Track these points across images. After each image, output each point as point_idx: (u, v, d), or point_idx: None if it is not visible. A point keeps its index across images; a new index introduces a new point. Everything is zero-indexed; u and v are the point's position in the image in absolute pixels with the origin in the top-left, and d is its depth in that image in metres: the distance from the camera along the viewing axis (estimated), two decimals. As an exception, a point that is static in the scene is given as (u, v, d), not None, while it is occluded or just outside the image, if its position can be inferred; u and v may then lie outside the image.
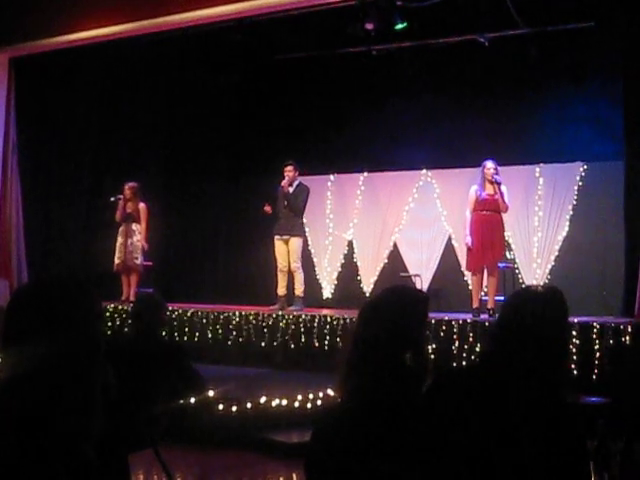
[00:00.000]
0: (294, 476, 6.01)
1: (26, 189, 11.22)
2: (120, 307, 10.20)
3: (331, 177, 13.06)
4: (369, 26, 9.89)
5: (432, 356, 7.95)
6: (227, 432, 6.83)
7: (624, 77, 9.64)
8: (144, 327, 5.11)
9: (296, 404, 7.17)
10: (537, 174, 11.55)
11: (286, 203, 10.01)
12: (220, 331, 9.76)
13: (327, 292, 12.90)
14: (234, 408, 7.07)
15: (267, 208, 10.05)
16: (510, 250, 11.25)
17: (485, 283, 9.35)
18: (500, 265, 9.45)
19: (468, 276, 10.50)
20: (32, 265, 11.10)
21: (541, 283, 10.86)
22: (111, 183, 11.43)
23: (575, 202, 11.32)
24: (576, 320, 7.81)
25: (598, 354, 7.66)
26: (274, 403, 7.14)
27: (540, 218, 11.48)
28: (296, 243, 10.07)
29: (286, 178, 10.07)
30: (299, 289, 10.11)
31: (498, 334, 2.53)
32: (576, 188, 11.32)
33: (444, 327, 8.43)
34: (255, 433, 6.88)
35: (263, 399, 7.17)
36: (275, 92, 12.85)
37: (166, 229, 11.96)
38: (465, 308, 9.56)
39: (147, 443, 4.85)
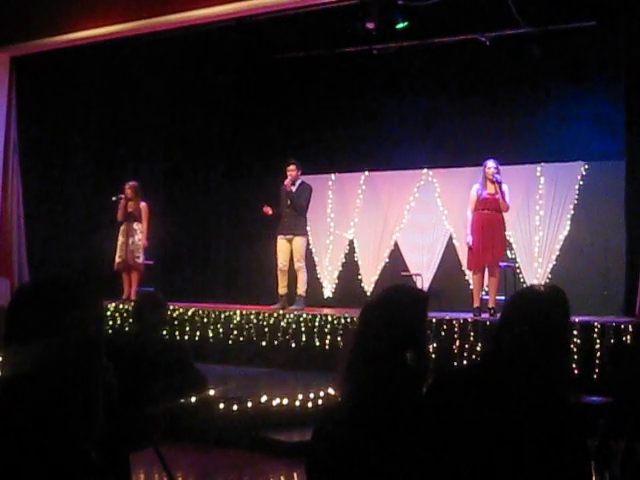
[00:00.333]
0: (295, 475, 6.02)
1: (27, 188, 11.22)
2: (121, 306, 10.20)
3: (332, 176, 13.06)
4: (370, 25, 9.90)
5: (433, 355, 7.94)
6: (228, 431, 6.83)
7: (625, 76, 9.64)
8: (145, 326, 5.11)
9: (297, 403, 7.17)
10: (538, 173, 11.55)
11: (289, 202, 10.01)
12: (221, 330, 9.75)
13: (328, 291, 12.91)
14: (235, 407, 7.07)
15: (266, 209, 10.05)
16: (511, 249, 11.25)
17: (486, 282, 9.35)
18: (501, 264, 9.45)
19: (469, 275, 10.51)
20: (33, 264, 11.11)
21: (542, 282, 10.86)
22: (112, 182, 11.43)
23: (576, 201, 11.32)
24: (577, 319, 7.81)
25: (599, 354, 7.66)
26: (275, 402, 7.14)
27: (541, 217, 11.48)
28: (300, 242, 10.07)
29: (289, 177, 10.07)
30: (301, 288, 10.11)
31: (499, 333, 2.52)
32: (577, 187, 11.32)
33: (445, 326, 8.42)
34: (256, 432, 6.88)
35: (264, 398, 7.17)
36: (275, 91, 12.86)
37: (167, 228, 11.95)
38: (466, 307, 9.56)
39: (148, 442, 4.85)
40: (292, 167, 10.09)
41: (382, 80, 12.10)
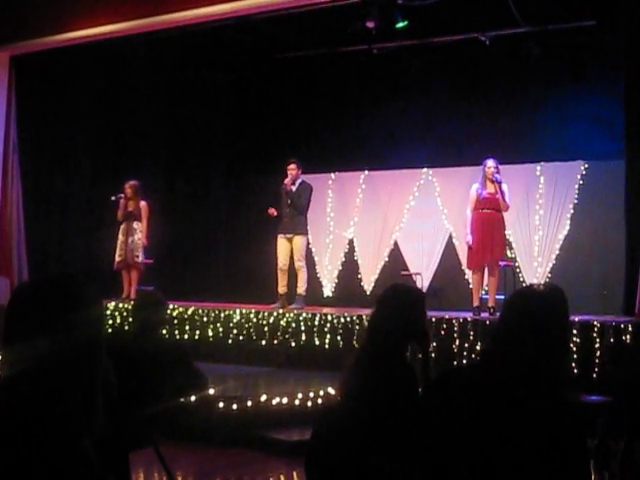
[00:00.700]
0: (294, 474, 6.01)
1: (27, 187, 11.22)
2: (121, 305, 10.21)
3: (332, 175, 13.05)
4: (370, 24, 9.90)
5: (432, 355, 7.94)
6: (228, 430, 6.83)
7: (625, 76, 9.64)
8: (145, 325, 5.11)
9: (297, 402, 7.18)
10: (538, 173, 11.55)
11: (289, 202, 10.01)
12: (221, 329, 9.76)
13: (328, 290, 12.91)
14: (235, 406, 7.08)
15: (271, 211, 10.06)
16: (511, 249, 11.24)
17: (486, 282, 9.36)
18: (501, 264, 9.45)
19: (469, 274, 10.50)
20: (33, 263, 11.11)
21: (542, 282, 10.86)
22: (111, 181, 11.43)
23: (576, 201, 11.32)
24: (577, 319, 7.81)
25: (598, 353, 7.66)
26: (275, 401, 7.14)
27: (541, 217, 11.48)
28: (300, 241, 10.07)
29: (289, 176, 10.07)
30: (301, 287, 10.11)
31: (499, 333, 2.53)
32: (577, 187, 11.32)
33: (445, 326, 8.42)
34: (256, 431, 6.88)
35: (264, 397, 7.17)
36: (275, 91, 12.86)
37: (167, 227, 11.95)
38: (466, 306, 9.57)
39: (148, 441, 4.85)
40: (292, 166, 10.09)
41: (382, 79, 12.10)
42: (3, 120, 10.85)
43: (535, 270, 11.42)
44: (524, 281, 11.15)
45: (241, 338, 9.64)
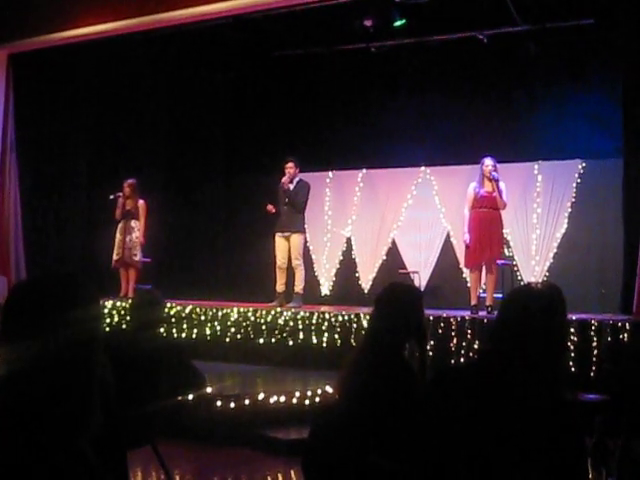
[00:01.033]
0: (292, 473, 6.02)
1: (24, 186, 11.21)
2: (118, 303, 10.20)
3: (329, 174, 13.05)
4: (368, 23, 9.91)
5: (430, 353, 7.94)
6: (225, 429, 6.83)
7: (623, 74, 9.65)
8: (142, 324, 5.11)
9: (294, 401, 7.18)
10: (536, 171, 11.55)
11: (287, 200, 10.01)
12: (218, 328, 9.75)
13: (325, 289, 12.90)
14: (232, 405, 7.08)
15: (270, 208, 10.07)
16: (509, 247, 11.25)
17: (483, 280, 9.36)
18: (499, 262, 9.45)
19: (466, 273, 10.51)
20: (30, 262, 11.10)
21: (539, 280, 10.86)
22: (109, 179, 11.43)
23: (574, 199, 11.33)
24: (574, 317, 7.82)
25: (596, 351, 7.67)
26: (272, 400, 7.14)
27: (539, 215, 11.48)
28: (297, 239, 10.07)
29: (286, 175, 10.07)
30: (299, 286, 10.11)
31: (497, 331, 2.53)
32: (575, 185, 11.33)
33: (442, 324, 8.43)
34: (253, 430, 6.88)
35: (261, 396, 7.18)
36: (273, 89, 12.85)
37: (164, 226, 11.95)
38: (463, 305, 9.57)
39: (145, 440, 4.85)
40: (290, 164, 10.09)
41: (380, 78, 12.10)
42: (1, 118, 10.84)
43: (533, 269, 11.43)
44: (522, 280, 11.15)
45: (239, 336, 9.63)
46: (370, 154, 12.51)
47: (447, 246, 12.07)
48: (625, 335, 7.67)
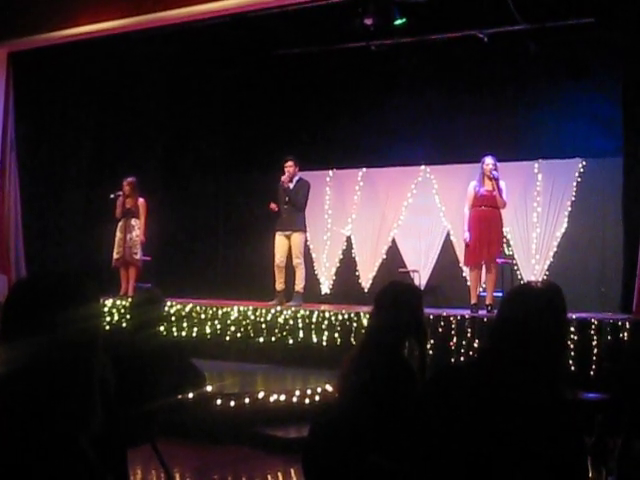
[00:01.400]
0: (292, 471, 6.02)
1: (24, 184, 11.21)
2: (118, 302, 10.19)
3: (330, 173, 13.05)
4: (368, 21, 9.89)
5: (430, 352, 7.94)
6: (225, 427, 6.83)
7: (623, 73, 9.65)
8: (142, 322, 5.11)
9: (294, 400, 7.18)
10: (536, 170, 11.55)
11: (287, 199, 10.01)
12: (218, 326, 9.75)
13: (325, 288, 12.91)
14: (232, 403, 7.08)
15: (272, 206, 10.08)
16: (509, 246, 11.26)
17: (483, 279, 9.37)
18: (498, 261, 9.46)
19: (466, 272, 10.51)
20: (30, 260, 11.10)
21: (539, 279, 10.86)
22: (109, 178, 11.42)
23: (574, 198, 11.32)
24: (574, 316, 7.82)
25: (596, 350, 7.67)
26: (272, 398, 7.15)
27: (539, 214, 11.48)
28: (298, 238, 10.08)
29: (286, 174, 10.07)
30: (299, 285, 10.11)
31: (496, 330, 2.53)
32: (575, 184, 11.32)
33: (442, 323, 8.42)
34: (253, 428, 6.89)
35: (261, 394, 7.18)
36: (274, 87, 12.84)
37: (164, 224, 11.95)
38: (463, 304, 9.58)
39: (145, 438, 4.85)
40: (290, 163, 10.10)
41: (380, 76, 12.07)
42: (1, 117, 10.83)
43: (533, 267, 11.43)
44: (522, 278, 11.15)
45: (239, 335, 9.63)
46: (370, 153, 12.50)
47: (447, 245, 12.07)
48: (625, 334, 7.67)
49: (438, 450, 2.40)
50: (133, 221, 10.74)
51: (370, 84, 12.24)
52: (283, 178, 10.07)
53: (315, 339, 9.12)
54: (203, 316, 9.89)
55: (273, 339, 9.40)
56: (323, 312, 9.28)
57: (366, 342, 3.76)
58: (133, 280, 10.77)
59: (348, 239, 12.90)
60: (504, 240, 9.98)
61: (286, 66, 12.31)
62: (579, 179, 11.31)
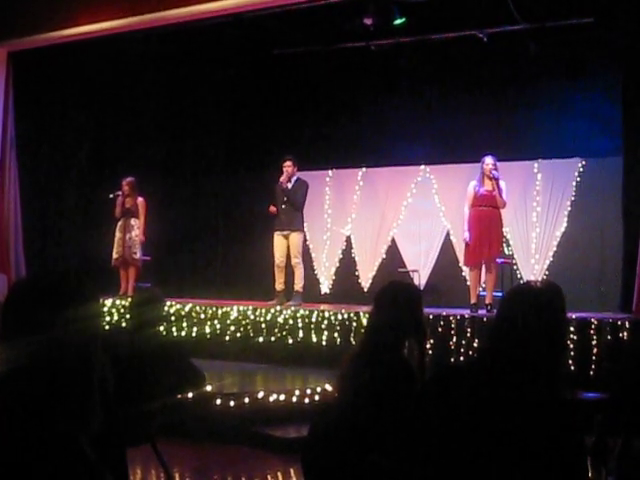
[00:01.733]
0: (291, 471, 6.02)
1: (24, 183, 11.21)
2: (118, 302, 10.20)
3: (329, 172, 13.05)
4: (368, 21, 9.90)
5: (430, 352, 7.94)
6: (225, 427, 6.84)
7: (623, 73, 9.65)
8: (142, 322, 5.11)
9: (294, 399, 7.18)
10: (535, 170, 11.55)
11: (285, 199, 10.01)
12: (218, 326, 9.75)
13: (325, 287, 12.90)
14: (232, 403, 7.08)
15: (272, 209, 10.08)
16: (508, 246, 11.25)
17: (483, 279, 9.37)
18: (498, 261, 9.46)
19: (466, 271, 10.50)
20: (30, 260, 11.10)
21: (539, 279, 10.86)
22: (109, 177, 11.43)
23: (573, 198, 11.32)
24: (574, 316, 7.82)
25: (596, 350, 7.67)
26: (272, 398, 7.15)
27: (538, 214, 11.48)
28: (296, 238, 10.08)
29: (285, 173, 10.07)
30: (298, 284, 10.12)
31: (496, 330, 2.53)
32: (574, 184, 11.32)
33: (442, 322, 8.43)
34: (253, 428, 6.89)
35: (261, 394, 7.18)
36: (273, 87, 12.83)
37: (164, 224, 11.95)
38: (463, 303, 9.57)
39: (145, 438, 4.85)
40: (288, 163, 10.10)
41: (380, 76, 12.08)
42: (1, 116, 10.83)
43: (532, 267, 11.43)
44: (521, 278, 11.15)
45: (238, 335, 9.63)
46: (370, 152, 12.50)
47: (447, 244, 12.07)
48: (625, 334, 7.67)
49: (438, 450, 2.40)
50: (132, 221, 10.74)
51: (370, 84, 12.23)
52: (282, 178, 10.07)
53: (315, 339, 9.12)
54: (203, 316, 9.89)
55: (273, 339, 9.40)
56: (323, 312, 9.28)
57: (366, 342, 3.76)
58: (133, 280, 10.77)
59: (348, 239, 12.89)
60: (504, 240, 9.97)
61: (286, 66, 12.31)
62: (579, 179, 11.31)
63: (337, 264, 12.93)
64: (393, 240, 12.55)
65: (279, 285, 10.17)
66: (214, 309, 9.89)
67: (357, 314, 8.96)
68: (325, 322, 9.15)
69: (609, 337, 7.70)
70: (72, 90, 11.53)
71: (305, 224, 10.41)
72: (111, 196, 10.78)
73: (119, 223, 10.79)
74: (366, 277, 12.63)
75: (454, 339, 8.34)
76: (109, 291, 10.53)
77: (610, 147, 10.42)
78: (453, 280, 11.58)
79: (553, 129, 11.27)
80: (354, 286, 12.54)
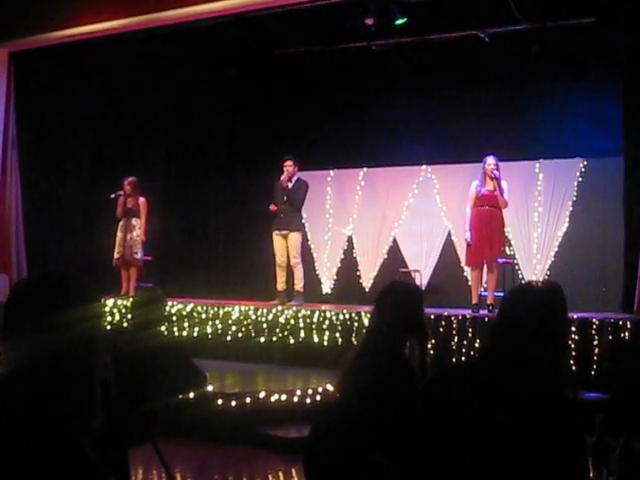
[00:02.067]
0: (293, 471, 6.02)
1: (25, 184, 11.22)
2: (120, 302, 10.20)
3: (331, 172, 13.05)
4: (369, 21, 9.90)
5: (431, 352, 7.94)
6: (226, 427, 6.84)
7: (624, 73, 9.63)
8: (143, 322, 5.11)
9: (295, 399, 7.18)
10: (537, 170, 11.55)
11: (285, 198, 10.01)
12: (220, 326, 9.75)
13: (327, 287, 12.90)
14: (233, 403, 7.08)
15: (272, 207, 10.08)
16: (510, 246, 11.25)
17: (485, 279, 9.36)
18: (500, 261, 9.46)
19: (468, 272, 10.51)
20: (31, 260, 11.10)
21: (541, 279, 10.86)
22: (110, 177, 11.42)
23: (575, 198, 11.32)
24: (575, 316, 7.81)
25: (597, 350, 7.67)
26: (273, 398, 7.15)
27: (540, 214, 11.48)
28: (295, 238, 10.07)
29: (285, 173, 10.07)
30: (299, 284, 10.11)
31: (497, 330, 2.53)
32: (576, 184, 11.32)
33: (443, 323, 8.42)
34: (254, 428, 6.89)
35: (262, 394, 7.18)
36: (275, 87, 12.84)
37: (165, 224, 11.96)
38: (464, 304, 9.57)
39: (147, 438, 4.85)
40: (289, 163, 10.09)
41: (381, 76, 12.08)
42: (2, 117, 10.84)
43: (534, 267, 11.42)
44: (523, 278, 11.15)
45: (240, 335, 9.63)
46: (371, 152, 12.50)
47: (448, 244, 12.07)
48: (626, 334, 7.67)
49: (439, 450, 2.40)
50: (134, 221, 10.73)
51: (371, 84, 12.24)
52: (282, 177, 10.07)
53: (316, 339, 9.12)
54: (204, 316, 9.89)
55: (274, 339, 9.40)
56: (324, 312, 9.28)
57: (367, 342, 3.76)
58: (134, 280, 10.77)
59: (349, 239, 12.90)
60: (505, 240, 9.97)
61: (286, 66, 12.31)
62: (580, 179, 11.31)
63: (338, 264, 12.93)
64: (394, 240, 12.55)
65: (280, 285, 10.17)
66: (215, 309, 9.89)
67: (358, 314, 8.96)
68: (326, 322, 9.15)
69: (610, 337, 7.70)
70: (73, 90, 11.53)
71: (306, 224, 10.43)
72: (112, 196, 10.78)
73: (120, 223, 10.79)
74: (367, 277, 12.63)
75: (455, 339, 8.34)
76: (110, 291, 10.54)
77: (611, 147, 10.41)
78: (454, 280, 11.58)
79: (555, 129, 11.27)
80: (355, 286, 12.54)
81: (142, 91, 12.29)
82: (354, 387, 3.57)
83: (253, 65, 12.57)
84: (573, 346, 7.61)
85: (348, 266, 12.82)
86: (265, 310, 9.61)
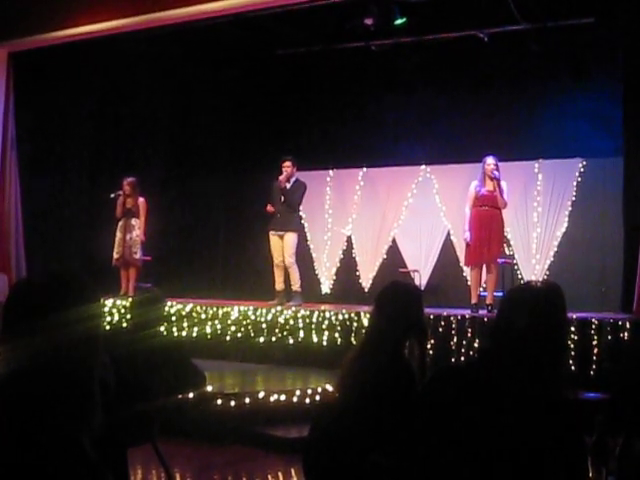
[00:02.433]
0: (292, 471, 6.02)
1: (25, 184, 11.21)
2: (119, 302, 10.20)
3: (330, 172, 13.05)
4: (368, 21, 9.90)
5: (430, 352, 7.94)
6: (226, 427, 6.83)
7: (624, 73, 9.64)
8: (143, 322, 5.11)
9: (294, 399, 7.18)
10: (536, 170, 11.55)
11: (283, 199, 10.01)
12: (219, 326, 9.75)
13: (326, 287, 12.90)
14: (232, 403, 7.08)
15: (269, 208, 10.07)
16: (509, 246, 11.24)
17: (484, 279, 9.36)
18: (499, 261, 9.46)
19: (467, 272, 10.51)
20: (31, 260, 11.09)
21: (540, 279, 10.86)
22: (110, 178, 11.42)
23: (574, 198, 11.33)
24: (574, 316, 7.81)
25: (596, 350, 7.67)
26: (272, 398, 7.15)
27: (539, 214, 11.48)
28: (291, 238, 10.07)
29: (284, 173, 10.06)
30: (295, 284, 10.10)
31: (496, 330, 2.53)
32: (575, 184, 11.33)
33: (442, 323, 8.42)
34: (253, 428, 6.89)
35: (261, 394, 7.18)
36: (275, 87, 12.84)
37: (165, 224, 11.95)
38: (464, 304, 9.57)
39: (146, 438, 4.85)
40: (287, 163, 10.09)
41: (380, 76, 12.08)
42: (1, 117, 10.83)
43: (533, 267, 11.43)
44: (522, 278, 11.15)
45: (239, 335, 9.64)
46: (371, 153, 12.51)
47: (447, 245, 12.07)
48: (625, 334, 7.67)
49: (438, 450, 2.40)
50: (133, 221, 10.73)
51: (371, 84, 12.24)
52: (280, 178, 10.06)
53: (315, 339, 9.12)
54: (203, 316, 9.89)
55: (273, 339, 9.41)
56: (323, 312, 9.28)
57: (366, 342, 3.76)
58: (133, 280, 10.77)
59: (348, 239, 12.90)
60: (504, 240, 9.97)
61: (286, 66, 12.32)
62: (579, 179, 11.32)
63: (338, 264, 12.94)
64: (394, 240, 12.56)
65: (279, 285, 10.16)
66: (215, 309, 9.90)
67: (358, 314, 8.96)
68: (326, 322, 9.15)
69: (610, 337, 7.70)
70: (72, 90, 11.52)
71: (306, 224, 10.43)
72: (112, 196, 10.77)
73: (120, 223, 10.78)
74: (367, 277, 12.63)
75: (455, 339, 8.34)
76: (110, 291, 10.53)
77: (611, 147, 10.42)
78: (454, 280, 11.59)
79: (554, 129, 11.27)
80: (355, 286, 12.54)
81: (142, 91, 12.29)
82: (354, 387, 3.57)
83: (253, 65, 12.58)
84: (572, 346, 7.61)
85: (347, 266, 12.82)
86: (264, 310, 9.61)
